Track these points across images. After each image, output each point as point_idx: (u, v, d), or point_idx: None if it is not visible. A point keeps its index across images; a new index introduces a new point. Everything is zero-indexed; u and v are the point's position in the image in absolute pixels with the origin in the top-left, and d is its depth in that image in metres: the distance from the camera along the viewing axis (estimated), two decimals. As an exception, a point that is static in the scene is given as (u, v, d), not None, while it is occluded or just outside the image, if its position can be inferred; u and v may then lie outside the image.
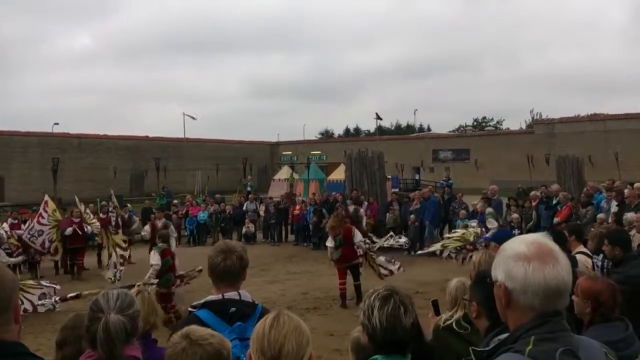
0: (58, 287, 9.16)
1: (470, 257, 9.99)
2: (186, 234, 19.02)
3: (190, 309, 2.70)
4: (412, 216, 15.36)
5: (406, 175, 41.90)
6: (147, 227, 13.12)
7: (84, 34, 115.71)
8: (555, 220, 11.95)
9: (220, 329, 2.36)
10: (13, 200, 32.46)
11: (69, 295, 8.06)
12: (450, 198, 16.18)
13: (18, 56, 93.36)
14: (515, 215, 13.51)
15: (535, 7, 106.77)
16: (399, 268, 10.28)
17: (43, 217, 12.70)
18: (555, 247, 1.58)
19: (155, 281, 8.47)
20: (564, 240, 5.30)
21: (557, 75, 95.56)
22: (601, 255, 5.40)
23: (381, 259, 10.39)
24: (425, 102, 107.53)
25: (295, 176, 29.83)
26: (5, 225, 13.56)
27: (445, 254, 11.26)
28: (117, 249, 12.42)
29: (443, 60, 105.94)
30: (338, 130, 74.06)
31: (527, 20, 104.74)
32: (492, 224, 10.95)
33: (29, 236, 12.53)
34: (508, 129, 56.04)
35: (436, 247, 11.61)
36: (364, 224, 13.54)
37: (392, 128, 68.21)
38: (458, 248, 10.97)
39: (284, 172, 31.11)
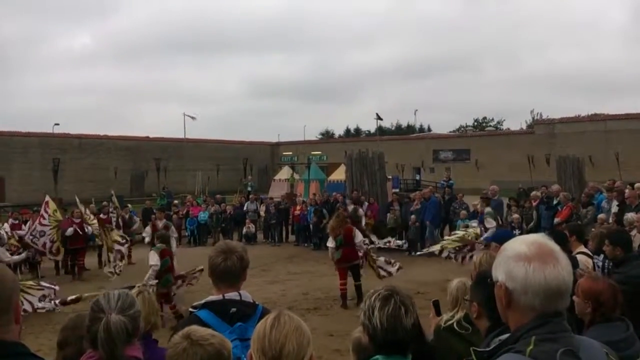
0: (57, 287, 9.16)
1: (471, 257, 10.04)
2: (187, 234, 19.02)
3: (190, 309, 2.70)
4: (412, 216, 15.37)
5: (407, 176, 41.94)
6: (148, 229, 13.15)
7: (84, 34, 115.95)
8: (556, 220, 11.94)
9: (221, 329, 2.36)
10: (14, 201, 32.51)
11: (69, 299, 8.05)
12: (450, 198, 16.18)
13: (18, 56, 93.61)
14: (515, 216, 13.51)
15: (535, 7, 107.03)
16: (397, 270, 10.28)
17: (44, 218, 12.74)
18: (556, 248, 1.58)
19: (155, 282, 8.47)
20: (565, 240, 5.30)
21: (557, 75, 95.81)
22: (602, 256, 5.40)
23: (381, 259, 10.41)
24: (426, 102, 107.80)
25: (296, 176, 29.87)
26: (6, 225, 13.57)
27: (444, 254, 11.30)
28: (116, 245, 12.64)
29: (443, 60, 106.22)
30: (338, 131, 74.30)
31: (527, 20, 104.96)
32: (490, 223, 10.97)
33: (31, 237, 12.62)
34: (508, 129, 56.11)
35: (435, 248, 11.68)
36: (363, 223, 13.54)
37: (393, 128, 68.28)
38: (457, 248, 11.01)
39: (285, 173, 31.15)
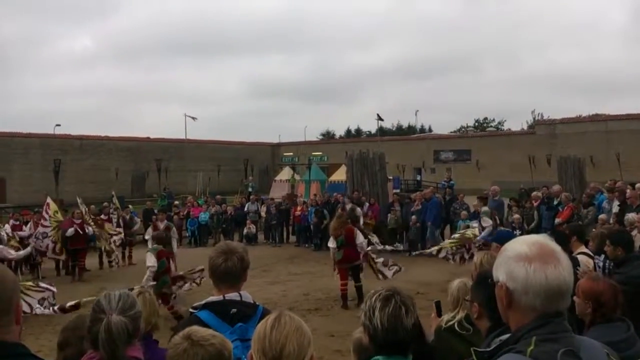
0: (55, 289, 9.11)
1: (470, 257, 10.06)
2: (187, 235, 19.05)
3: (191, 310, 2.69)
4: (413, 217, 15.37)
5: (407, 176, 41.90)
6: (150, 230, 13.16)
7: (84, 34, 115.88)
8: (557, 220, 11.94)
9: (222, 330, 2.35)
10: (14, 202, 32.56)
11: (68, 305, 7.94)
12: (451, 199, 16.17)
13: (18, 57, 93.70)
14: (516, 216, 13.48)
15: (535, 7, 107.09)
16: (394, 273, 10.23)
17: (45, 219, 12.78)
18: (557, 248, 1.58)
19: (153, 283, 8.46)
20: (566, 240, 5.30)
21: (558, 75, 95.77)
22: (602, 256, 5.39)
23: (380, 261, 10.40)
24: (426, 102, 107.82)
25: (297, 177, 29.89)
26: (7, 226, 13.56)
27: (442, 254, 11.32)
28: (114, 237, 13.58)
29: (443, 60, 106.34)
30: (339, 131, 74.28)
31: (527, 20, 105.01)
32: (486, 222, 11.00)
33: (35, 240, 12.74)
34: (509, 129, 56.11)
35: (434, 249, 11.73)
36: (361, 222, 13.54)
37: (393, 129, 68.25)
38: (454, 249, 11.03)
39: (285, 173, 31.18)
